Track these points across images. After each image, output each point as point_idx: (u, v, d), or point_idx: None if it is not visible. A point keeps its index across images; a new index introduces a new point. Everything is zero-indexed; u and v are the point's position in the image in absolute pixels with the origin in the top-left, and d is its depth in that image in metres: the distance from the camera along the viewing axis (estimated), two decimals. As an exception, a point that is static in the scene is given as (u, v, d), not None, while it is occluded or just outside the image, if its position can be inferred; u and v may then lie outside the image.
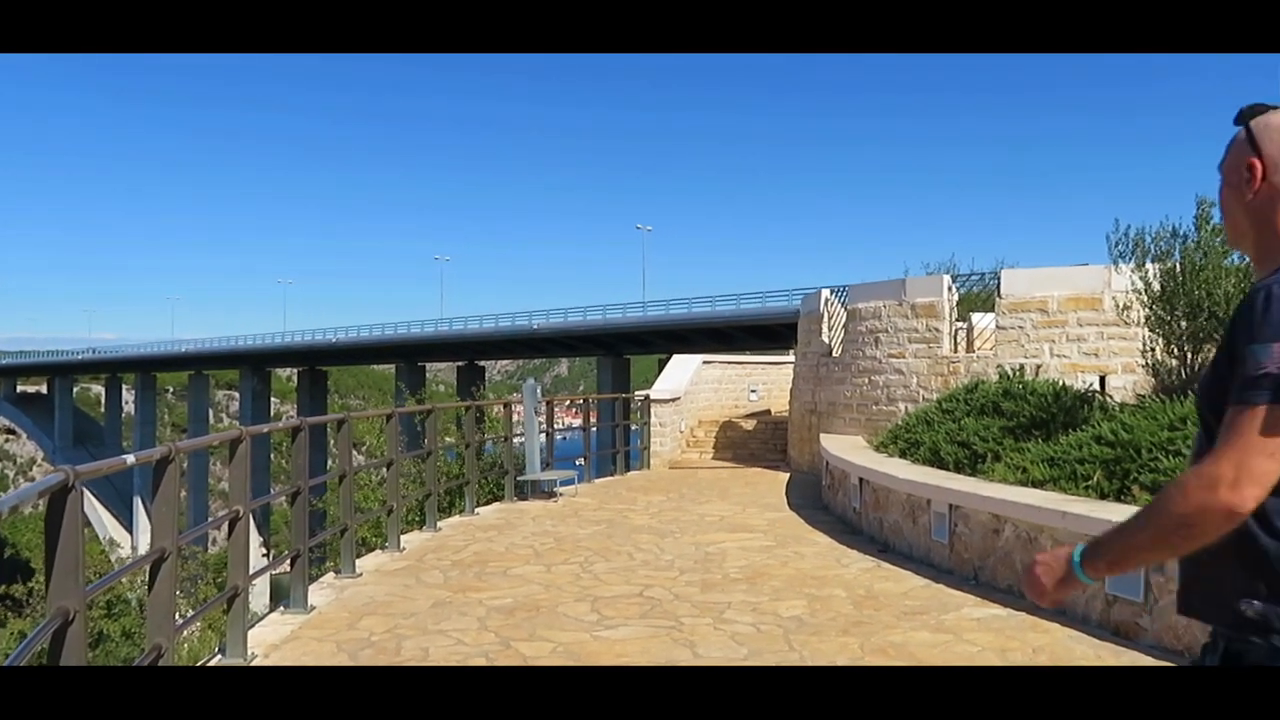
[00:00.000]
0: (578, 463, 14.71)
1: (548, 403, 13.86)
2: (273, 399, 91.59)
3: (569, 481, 12.80)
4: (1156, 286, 8.28)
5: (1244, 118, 1.87)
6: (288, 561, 6.35)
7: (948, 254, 45.03)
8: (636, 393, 18.99)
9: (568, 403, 24.77)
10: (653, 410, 17.21)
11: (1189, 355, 8.37)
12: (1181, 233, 8.47)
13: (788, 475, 14.90)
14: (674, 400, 17.77)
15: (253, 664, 5.10)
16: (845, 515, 10.18)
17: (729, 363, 21.86)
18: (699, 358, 20.36)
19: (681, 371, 19.11)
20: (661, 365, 21.05)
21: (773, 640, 5.63)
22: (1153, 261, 8.45)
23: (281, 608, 6.37)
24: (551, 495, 12.14)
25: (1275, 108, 1.89)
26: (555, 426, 14.30)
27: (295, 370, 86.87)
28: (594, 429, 22.39)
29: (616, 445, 16.40)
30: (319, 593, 6.78)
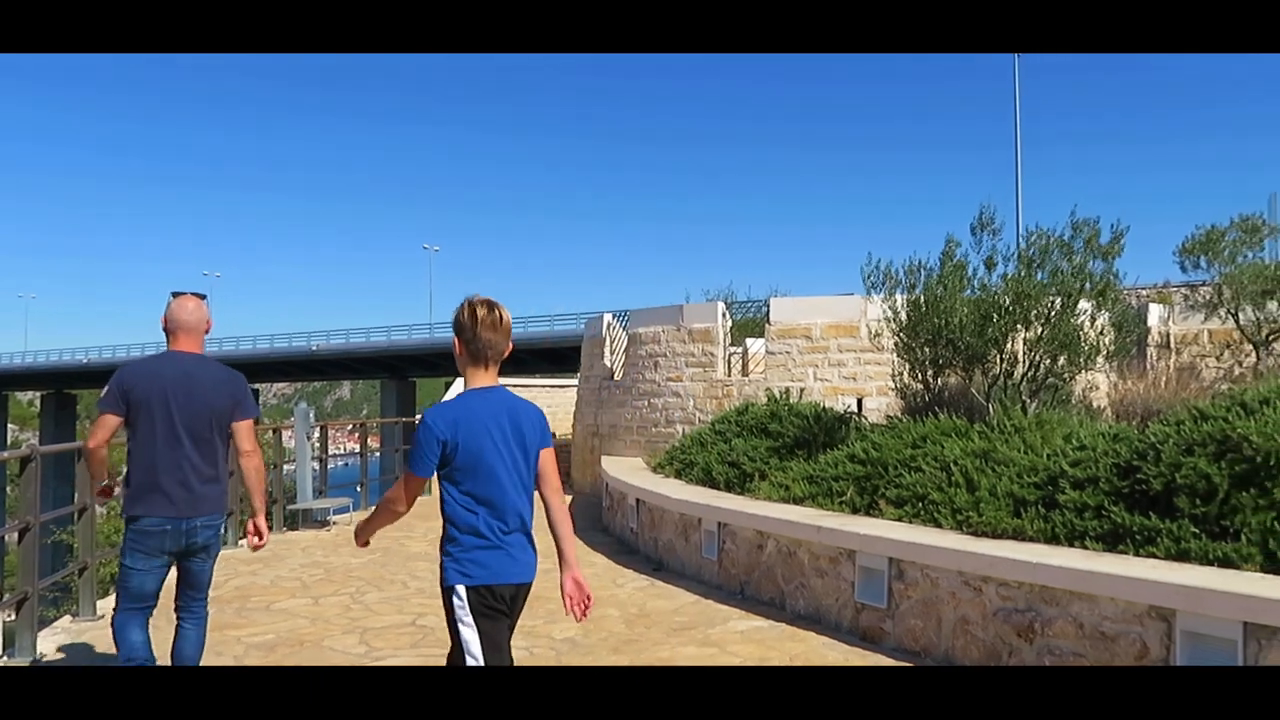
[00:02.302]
0: (358, 489, 14.20)
1: (321, 427, 13.31)
2: (10, 425, 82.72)
3: (344, 509, 12.32)
4: (904, 316, 8.96)
5: (172, 295, 4.36)
6: (13, 606, 5.74)
7: (726, 281, 46.87)
8: (419, 416, 18.52)
9: (350, 426, 23.89)
10: (435, 434, 16.85)
11: (931, 379, 9.12)
12: (927, 266, 9.22)
13: (570, 498, 15.01)
14: (457, 424, 17.49)
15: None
16: (624, 536, 10.37)
17: (514, 386, 21.79)
18: (484, 381, 20.16)
19: (465, 395, 18.86)
20: (449, 388, 20.74)
21: (544, 663, 5.65)
22: (901, 293, 9.13)
23: (5, 657, 5.77)
24: (325, 524, 11.65)
25: (183, 294, 4.36)
26: (332, 452, 13.73)
27: (39, 394, 79.05)
28: (376, 454, 21.68)
29: (398, 471, 15.94)
30: (51, 638, 6.19)
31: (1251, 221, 12.63)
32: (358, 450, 16.41)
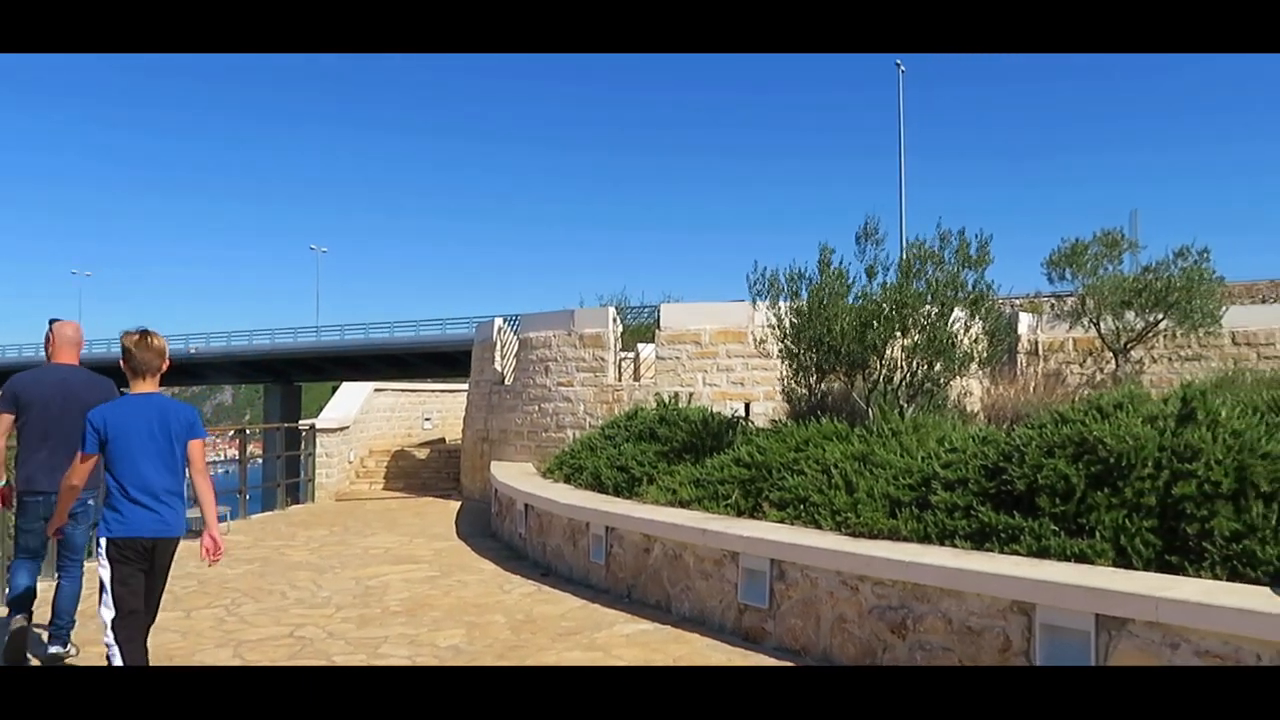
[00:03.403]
0: (246, 497, 13.71)
1: (198, 434, 12.80)
2: None
3: (220, 518, 11.87)
4: (788, 323, 9.17)
5: (52, 322, 5.61)
6: None
7: (620, 286, 47.02)
8: (301, 422, 18.02)
9: (230, 432, 23.05)
10: (319, 440, 16.43)
11: (814, 383, 9.35)
12: (809, 275, 9.45)
13: (459, 504, 14.83)
14: (342, 429, 17.09)
15: None
16: (512, 542, 10.29)
17: (403, 390, 21.40)
18: (370, 385, 19.77)
19: (351, 399, 18.45)
20: (336, 393, 20.24)
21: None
22: (785, 300, 9.34)
23: None
24: (199, 535, 11.20)
25: (60, 320, 5.67)
26: (211, 459, 13.21)
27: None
28: (258, 461, 20.98)
29: (281, 478, 15.48)
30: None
31: (1112, 236, 13.40)
32: (238, 457, 15.87)
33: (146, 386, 4.37)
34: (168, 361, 4.46)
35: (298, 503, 15.63)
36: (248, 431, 19.70)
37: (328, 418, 17.35)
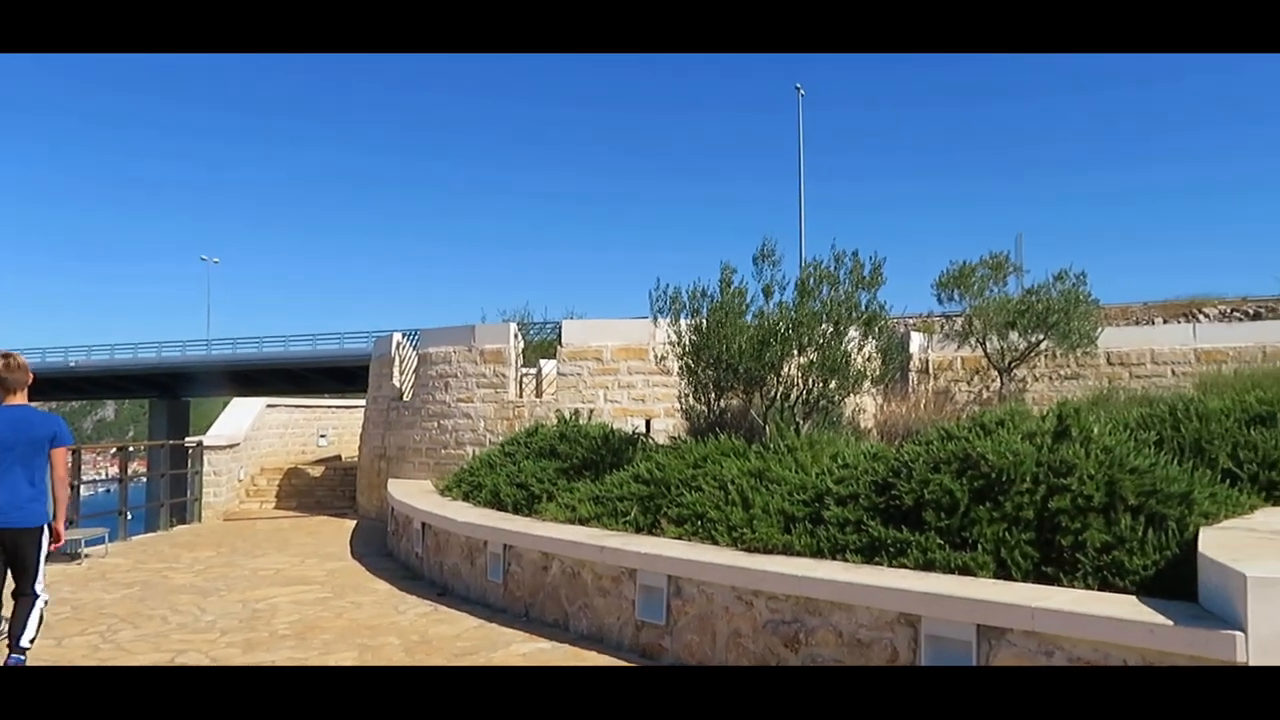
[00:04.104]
0: (128, 518, 13.10)
1: (74, 451, 12.22)
2: None
3: (98, 540, 11.34)
4: (687, 340, 9.26)
5: None
6: None
7: (524, 302, 46.81)
8: (189, 439, 17.36)
9: (113, 450, 22.07)
10: (206, 458, 15.84)
11: (713, 400, 9.46)
12: (709, 293, 9.57)
13: (355, 523, 14.49)
14: (232, 446, 16.53)
15: None
16: (409, 561, 10.10)
17: (297, 406, 20.83)
18: (263, 401, 19.18)
19: (242, 415, 17.87)
20: (227, 407, 19.55)
21: (316, 697, 5.40)
22: (686, 317, 9.43)
23: None
24: (75, 557, 10.68)
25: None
26: (92, 477, 12.61)
27: None
28: (142, 480, 20.10)
29: (166, 497, 14.87)
30: None
31: (997, 259, 13.97)
32: (119, 476, 15.18)
33: (17, 400, 5.09)
34: (32, 375, 5.16)
35: (184, 523, 15.03)
36: (131, 449, 18.87)
37: (216, 434, 16.76)
